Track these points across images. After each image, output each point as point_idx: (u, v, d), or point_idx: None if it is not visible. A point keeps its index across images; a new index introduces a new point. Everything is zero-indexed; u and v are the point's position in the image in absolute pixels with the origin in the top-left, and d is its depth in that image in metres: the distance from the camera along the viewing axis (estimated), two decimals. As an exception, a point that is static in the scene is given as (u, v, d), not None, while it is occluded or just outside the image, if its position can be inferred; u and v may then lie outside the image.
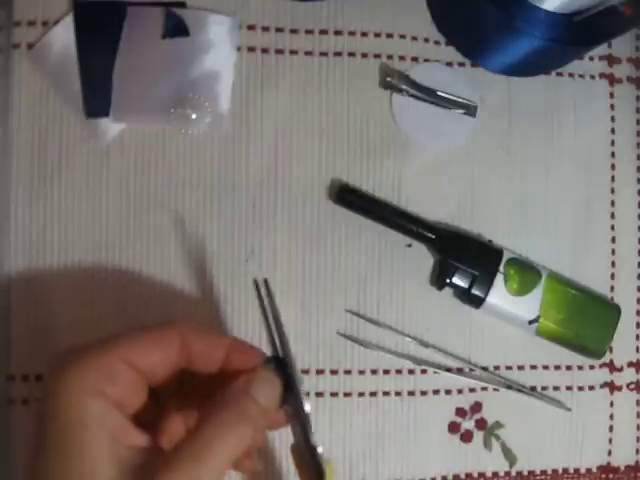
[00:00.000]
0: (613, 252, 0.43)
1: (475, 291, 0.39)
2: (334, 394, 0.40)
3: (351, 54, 0.41)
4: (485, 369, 0.41)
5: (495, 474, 0.41)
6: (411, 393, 0.40)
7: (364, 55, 0.41)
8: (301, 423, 0.29)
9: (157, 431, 0.29)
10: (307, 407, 0.29)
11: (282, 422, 0.31)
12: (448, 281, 0.39)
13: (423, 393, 0.40)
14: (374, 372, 0.40)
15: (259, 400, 0.28)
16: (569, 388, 0.42)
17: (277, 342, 0.31)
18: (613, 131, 0.44)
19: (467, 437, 0.41)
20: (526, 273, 0.40)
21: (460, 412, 0.41)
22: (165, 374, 0.29)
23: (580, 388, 0.42)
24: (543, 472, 0.42)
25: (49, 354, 0.29)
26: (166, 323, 0.30)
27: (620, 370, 0.43)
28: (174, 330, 0.29)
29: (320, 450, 0.29)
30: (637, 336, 0.44)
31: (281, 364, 0.30)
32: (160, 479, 0.24)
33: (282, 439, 0.38)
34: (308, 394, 0.39)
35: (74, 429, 0.25)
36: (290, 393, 0.29)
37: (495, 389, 0.41)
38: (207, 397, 0.29)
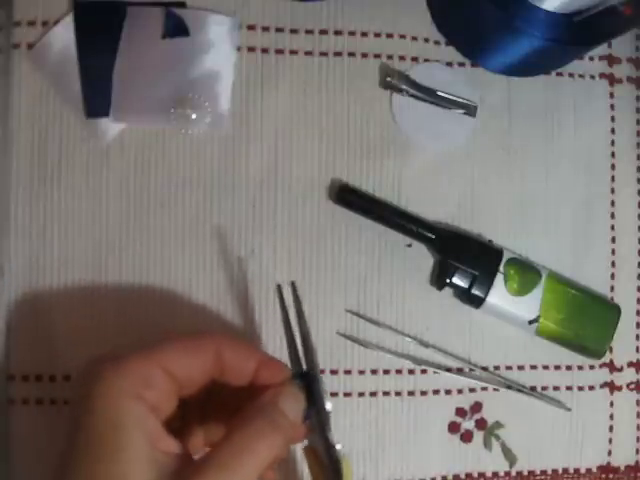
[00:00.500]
0: (613, 252, 0.43)
1: (475, 291, 0.39)
2: (334, 394, 0.39)
3: (351, 54, 0.41)
4: (485, 369, 0.41)
5: (495, 474, 0.41)
6: (411, 393, 0.40)
7: (364, 55, 0.41)
8: (320, 420, 0.29)
9: (181, 440, 0.29)
10: (328, 406, 0.29)
11: (301, 437, 0.31)
12: (448, 281, 0.39)
13: (423, 393, 0.40)
14: (374, 372, 0.40)
15: (287, 414, 0.28)
16: (569, 388, 0.42)
17: (301, 351, 0.31)
18: (613, 131, 0.44)
19: (467, 437, 0.41)
20: (526, 273, 0.40)
21: (460, 412, 0.41)
22: (197, 384, 0.30)
23: (580, 388, 0.42)
24: (543, 472, 0.42)
25: (85, 356, 0.29)
26: (202, 333, 0.31)
27: (620, 370, 0.43)
28: (210, 340, 0.30)
29: (339, 447, 0.29)
30: (637, 336, 0.44)
31: (304, 379, 0.30)
32: None
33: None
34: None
35: (113, 430, 0.26)
36: (311, 406, 0.30)
37: (495, 389, 0.41)
38: (233, 411, 0.29)
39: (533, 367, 0.42)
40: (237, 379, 0.30)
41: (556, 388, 0.42)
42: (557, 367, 0.42)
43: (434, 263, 0.41)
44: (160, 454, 0.26)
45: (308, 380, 0.30)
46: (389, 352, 0.40)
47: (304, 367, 0.31)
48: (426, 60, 0.42)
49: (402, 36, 0.41)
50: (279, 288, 0.33)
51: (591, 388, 0.42)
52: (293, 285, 0.32)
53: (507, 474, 0.41)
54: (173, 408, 0.29)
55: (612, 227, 0.43)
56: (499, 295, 0.39)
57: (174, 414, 0.29)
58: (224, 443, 0.26)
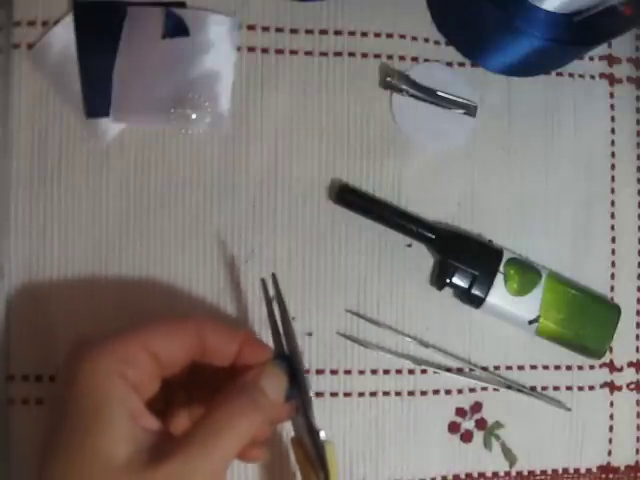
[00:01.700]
0: (613, 252, 0.43)
1: (475, 291, 0.39)
2: (334, 394, 0.40)
3: (351, 54, 0.41)
4: (485, 369, 0.41)
5: (495, 474, 0.41)
6: (411, 393, 0.40)
7: (364, 55, 0.41)
8: (304, 407, 0.30)
9: (164, 421, 0.30)
10: (310, 393, 0.30)
11: (285, 416, 0.32)
12: (448, 281, 0.39)
13: (423, 393, 0.40)
14: (374, 372, 0.40)
15: (268, 393, 0.29)
16: (569, 388, 0.42)
17: (283, 338, 0.32)
18: (613, 131, 0.44)
19: (467, 437, 0.41)
20: (526, 273, 0.40)
21: (460, 412, 0.41)
22: (179, 365, 0.30)
23: (580, 388, 0.42)
24: (543, 472, 0.42)
25: (68, 343, 0.30)
26: (184, 316, 0.32)
27: (620, 370, 0.43)
28: (192, 323, 0.31)
29: (323, 435, 0.29)
30: (637, 336, 0.44)
31: (287, 361, 0.31)
32: (173, 460, 0.25)
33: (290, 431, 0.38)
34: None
35: (98, 407, 0.26)
36: (294, 388, 0.30)
37: (495, 389, 0.41)
38: (215, 391, 0.29)
39: (533, 367, 0.42)
40: (219, 359, 0.31)
41: (556, 388, 0.42)
42: (557, 367, 0.42)
43: (434, 263, 0.41)
44: (140, 430, 0.27)
45: (291, 362, 0.31)
46: (389, 352, 0.40)
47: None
48: (426, 60, 0.42)
49: (402, 36, 0.41)
50: (263, 282, 0.33)
51: (591, 388, 0.42)
52: (274, 276, 0.33)
53: (507, 474, 0.41)
54: (156, 389, 0.30)
55: (612, 227, 0.43)
56: (499, 295, 0.39)
57: (157, 396, 0.30)
58: (204, 420, 0.27)
